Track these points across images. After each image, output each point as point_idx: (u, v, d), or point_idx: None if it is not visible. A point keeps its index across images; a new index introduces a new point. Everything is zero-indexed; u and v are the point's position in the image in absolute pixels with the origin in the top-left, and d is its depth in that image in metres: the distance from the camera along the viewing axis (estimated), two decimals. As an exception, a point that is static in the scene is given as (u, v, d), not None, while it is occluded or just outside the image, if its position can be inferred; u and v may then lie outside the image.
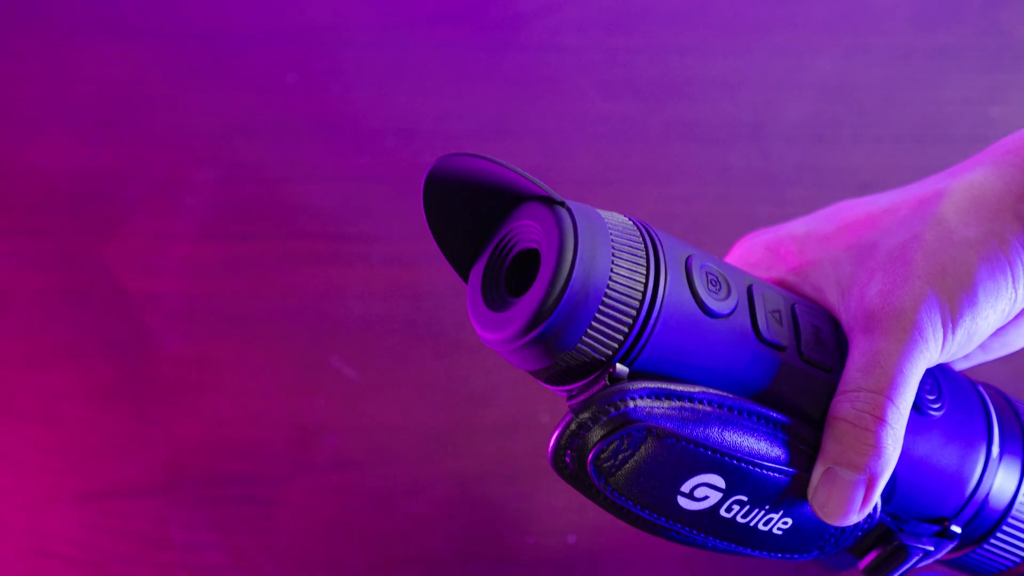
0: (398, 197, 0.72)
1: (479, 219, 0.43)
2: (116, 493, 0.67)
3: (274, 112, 0.73)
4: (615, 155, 0.72)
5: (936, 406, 0.46)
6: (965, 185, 0.45)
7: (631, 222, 0.42)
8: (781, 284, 0.48)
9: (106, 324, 0.69)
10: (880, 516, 0.45)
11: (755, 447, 0.42)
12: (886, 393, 0.42)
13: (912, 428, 0.45)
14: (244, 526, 0.67)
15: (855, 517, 0.43)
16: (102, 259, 0.70)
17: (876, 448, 0.42)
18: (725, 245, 0.54)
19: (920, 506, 0.46)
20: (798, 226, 0.49)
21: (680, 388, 0.41)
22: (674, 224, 0.71)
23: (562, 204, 0.40)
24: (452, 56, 0.74)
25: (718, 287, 0.42)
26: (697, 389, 0.41)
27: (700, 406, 0.41)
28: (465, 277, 0.44)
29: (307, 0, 0.75)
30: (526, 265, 0.42)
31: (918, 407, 0.46)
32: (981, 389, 0.49)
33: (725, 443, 0.41)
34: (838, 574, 0.52)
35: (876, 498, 0.43)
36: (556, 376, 0.41)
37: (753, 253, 0.50)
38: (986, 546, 0.48)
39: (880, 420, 0.42)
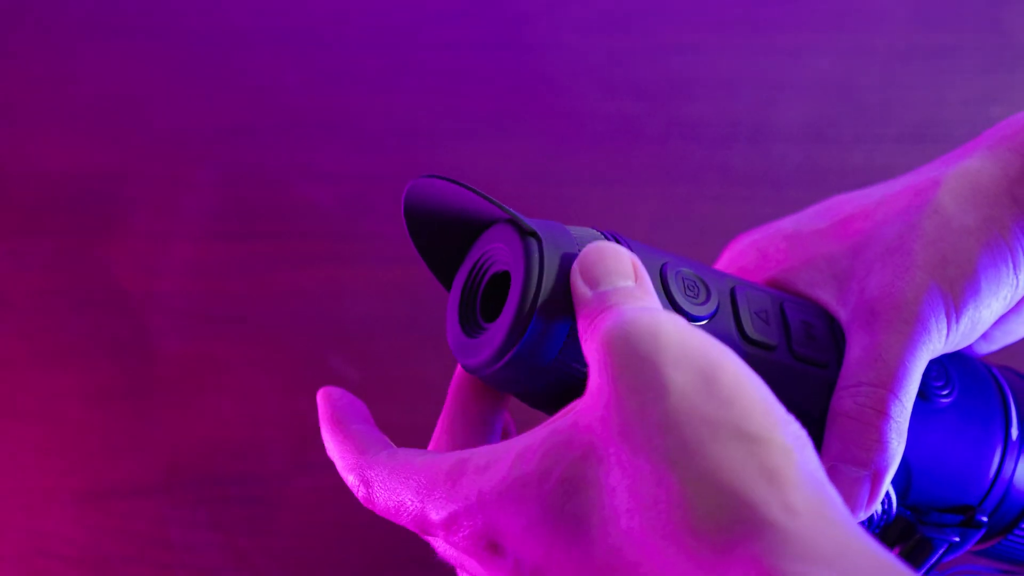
0: (398, 197, 0.71)
1: (457, 238, 0.43)
2: (116, 493, 0.67)
3: (274, 112, 0.73)
4: (615, 155, 0.72)
5: (944, 392, 0.45)
6: (961, 172, 0.44)
7: (602, 236, 0.41)
8: (772, 283, 0.47)
9: (106, 324, 0.69)
10: (898, 510, 0.44)
11: None
12: (888, 387, 0.42)
13: (921, 417, 0.44)
14: (244, 526, 0.66)
15: (862, 514, 0.42)
16: (102, 259, 0.70)
17: (880, 443, 0.42)
18: (725, 245, 0.53)
19: (940, 496, 0.45)
20: (787, 224, 0.49)
21: None
22: (674, 224, 0.71)
23: (531, 232, 0.40)
24: (452, 56, 0.74)
25: (696, 291, 0.42)
26: None
27: None
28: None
29: (307, 0, 0.75)
30: (501, 288, 0.42)
31: (925, 395, 0.45)
32: (996, 371, 0.48)
33: None
34: None
35: (883, 493, 0.42)
36: (539, 399, 0.41)
37: (743, 255, 0.49)
38: (1018, 532, 0.47)
39: (883, 414, 0.42)
